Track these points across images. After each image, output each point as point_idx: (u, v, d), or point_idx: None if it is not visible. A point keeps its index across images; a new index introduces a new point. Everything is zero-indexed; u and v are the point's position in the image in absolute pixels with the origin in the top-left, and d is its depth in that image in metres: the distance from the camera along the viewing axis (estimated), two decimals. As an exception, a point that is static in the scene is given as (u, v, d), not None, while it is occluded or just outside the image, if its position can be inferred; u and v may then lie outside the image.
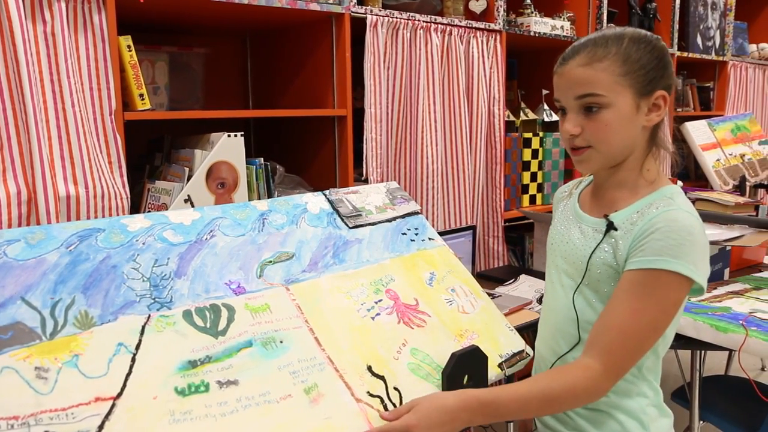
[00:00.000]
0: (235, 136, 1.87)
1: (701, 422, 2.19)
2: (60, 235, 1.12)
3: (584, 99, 1.10)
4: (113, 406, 0.96)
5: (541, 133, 2.81)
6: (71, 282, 1.07)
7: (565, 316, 1.20)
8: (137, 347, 1.04)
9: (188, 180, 1.83)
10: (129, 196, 1.78)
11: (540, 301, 2.28)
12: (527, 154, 2.80)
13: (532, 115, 2.82)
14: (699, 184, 3.47)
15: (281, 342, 1.16)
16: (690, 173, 3.68)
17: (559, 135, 2.86)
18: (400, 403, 1.17)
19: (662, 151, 1.19)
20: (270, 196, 1.93)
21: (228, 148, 1.85)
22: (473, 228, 2.53)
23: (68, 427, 0.90)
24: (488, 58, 2.58)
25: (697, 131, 3.40)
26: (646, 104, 1.11)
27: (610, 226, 1.13)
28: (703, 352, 2.23)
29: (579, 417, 1.18)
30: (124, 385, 0.99)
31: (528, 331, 1.51)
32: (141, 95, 1.83)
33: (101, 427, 0.92)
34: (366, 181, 2.18)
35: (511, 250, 2.99)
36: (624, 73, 1.09)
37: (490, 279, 2.53)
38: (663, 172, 1.21)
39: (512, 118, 2.76)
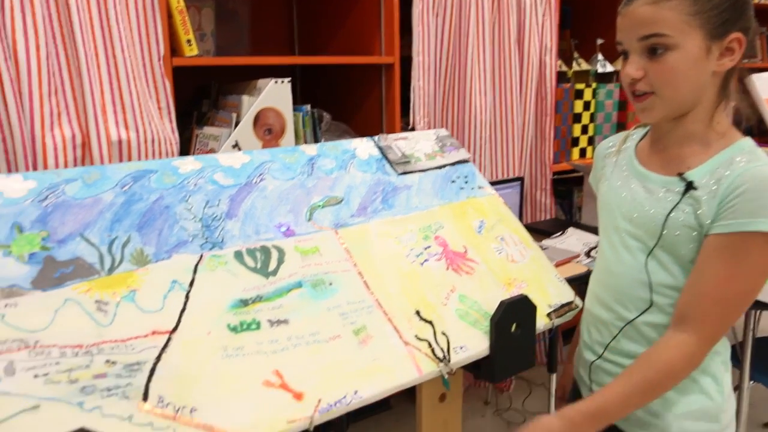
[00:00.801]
0: (282, 82, 1.86)
1: (751, 382, 2.15)
2: (114, 175, 1.14)
3: (648, 40, 1.02)
4: (169, 339, 0.98)
5: (593, 85, 2.73)
6: (126, 221, 1.09)
7: (634, 280, 1.13)
8: (191, 285, 1.06)
9: (236, 126, 1.84)
10: (178, 141, 1.80)
11: (588, 254, 2.25)
12: (578, 106, 2.73)
13: (585, 66, 2.73)
14: (762, 140, 3.33)
15: (330, 284, 1.17)
16: (752, 129, 3.53)
17: (612, 87, 2.78)
18: (448, 348, 1.17)
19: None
20: (316, 143, 1.93)
21: (275, 95, 1.85)
22: (521, 180, 2.49)
23: (128, 357, 0.93)
24: (541, 5, 2.50)
25: (765, 83, 3.23)
26: (717, 48, 1.02)
27: (690, 186, 1.05)
28: (758, 312, 2.18)
29: None
30: (179, 321, 1.01)
31: (575, 284, 1.48)
32: (188, 41, 1.83)
33: (158, 358, 0.95)
34: (413, 130, 2.15)
35: (558, 204, 2.95)
36: (694, 13, 1.00)
37: (536, 231, 2.50)
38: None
39: (564, 68, 2.69)
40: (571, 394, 1.38)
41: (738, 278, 1.01)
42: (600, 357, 1.21)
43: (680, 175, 1.07)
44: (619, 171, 1.20)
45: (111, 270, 1.02)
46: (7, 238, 0.97)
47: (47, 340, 0.90)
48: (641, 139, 1.21)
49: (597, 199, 1.27)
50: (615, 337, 1.17)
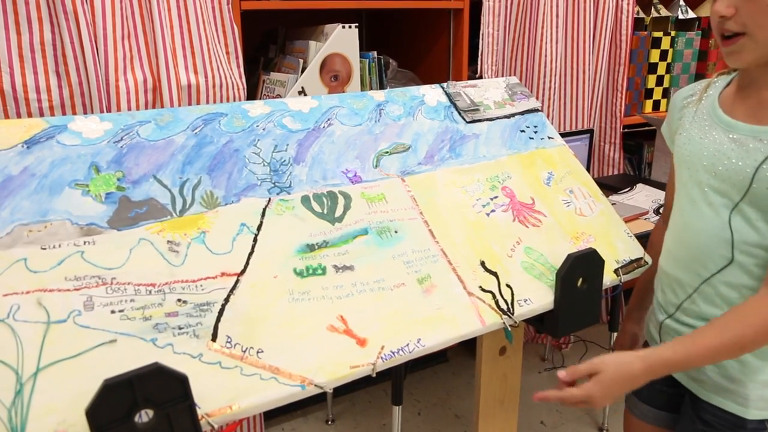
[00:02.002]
0: (350, 27, 1.84)
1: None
2: (186, 118, 1.15)
3: None
4: (237, 281, 1.00)
5: (672, 33, 2.59)
6: (197, 163, 1.10)
7: (715, 237, 1.07)
8: (258, 228, 1.07)
9: (302, 72, 1.83)
10: (245, 86, 1.80)
11: (657, 212, 2.17)
12: (655, 56, 2.60)
13: (664, 12, 2.59)
14: None
15: (396, 232, 1.16)
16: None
17: (693, 35, 2.63)
18: (512, 300, 1.16)
19: None
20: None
21: (342, 40, 1.82)
22: (590, 132, 2.41)
23: (198, 297, 0.96)
24: (620, -54, 2.37)
25: None
26: None
27: None
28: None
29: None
30: (247, 263, 1.03)
31: (643, 242, 1.43)
32: (257, -16, 1.81)
33: (227, 299, 0.97)
34: (481, 79, 2.10)
35: (627, 158, 2.85)
36: None
37: (604, 187, 2.42)
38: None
39: (642, 14, 2.55)
40: None
41: None
42: (670, 317, 1.17)
43: None
44: (699, 121, 1.12)
45: (182, 211, 1.04)
46: (85, 178, 1.00)
47: (123, 278, 0.94)
48: (725, 87, 1.12)
49: (673, 152, 1.20)
50: (689, 296, 1.12)
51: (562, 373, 1.03)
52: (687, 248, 1.13)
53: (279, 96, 1.87)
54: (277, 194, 1.13)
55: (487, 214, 1.26)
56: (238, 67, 1.79)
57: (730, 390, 1.09)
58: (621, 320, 2.25)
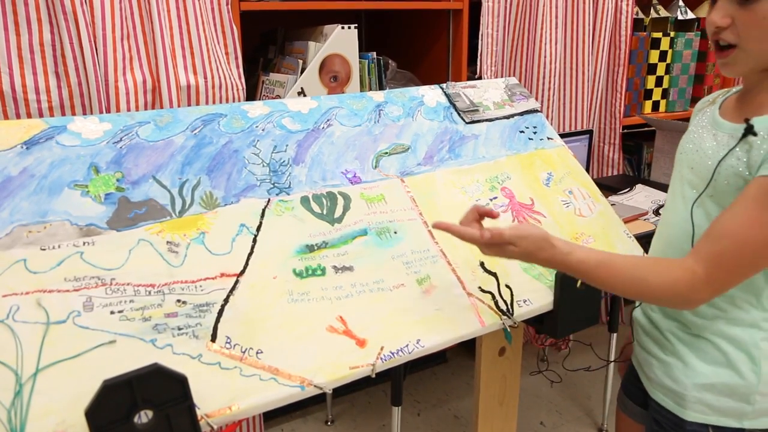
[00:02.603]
0: (349, 28, 1.84)
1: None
2: (185, 118, 1.15)
3: None
4: (237, 282, 1.00)
5: (672, 33, 2.59)
6: (197, 164, 1.10)
7: (680, 230, 1.08)
8: (258, 229, 1.07)
9: (302, 72, 1.83)
10: (245, 87, 1.80)
11: (657, 212, 2.17)
12: (654, 56, 2.60)
13: (664, 13, 2.59)
14: None
15: (395, 232, 1.16)
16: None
17: (692, 35, 2.63)
18: (512, 300, 1.16)
19: None
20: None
21: (341, 40, 1.82)
22: (589, 133, 2.41)
23: (197, 297, 0.96)
24: (619, -53, 2.37)
25: None
26: None
27: (749, 130, 0.98)
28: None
29: (678, 342, 1.09)
30: (247, 264, 1.03)
31: (642, 242, 1.43)
32: (257, -15, 1.81)
33: (226, 300, 0.97)
34: (480, 80, 2.10)
35: (626, 159, 2.85)
36: None
37: (603, 187, 2.42)
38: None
39: (641, 15, 2.55)
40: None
41: (766, 225, 0.92)
42: (638, 307, 1.18)
43: (746, 120, 0.99)
44: (701, 122, 1.13)
45: (182, 212, 1.04)
46: (85, 178, 1.00)
47: (122, 279, 0.94)
48: (737, 92, 1.12)
49: None
50: None
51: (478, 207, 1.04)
52: (660, 240, 1.15)
53: (278, 97, 1.87)
54: (277, 195, 1.13)
55: (487, 215, 1.27)
56: (238, 67, 1.79)
57: (671, 389, 1.08)
58: (621, 322, 2.25)
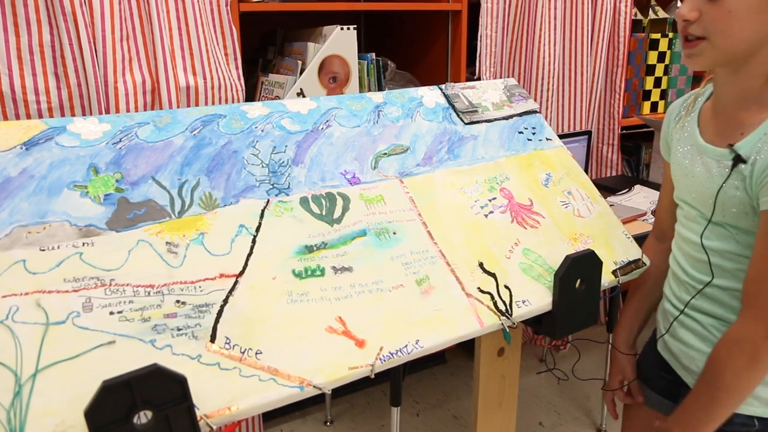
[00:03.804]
0: (348, 29, 1.84)
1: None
2: (185, 119, 1.15)
3: None
4: (236, 283, 1.00)
5: (670, 34, 2.60)
6: (196, 164, 1.10)
7: (695, 256, 1.12)
8: (257, 230, 1.07)
9: (301, 73, 1.83)
10: (244, 88, 1.81)
11: (654, 213, 2.18)
12: (653, 57, 2.60)
13: (662, 14, 2.60)
14: None
15: (394, 233, 1.16)
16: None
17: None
18: (511, 301, 1.16)
19: None
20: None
21: (340, 41, 1.83)
22: (588, 133, 2.42)
23: (197, 298, 0.96)
24: (618, -52, 2.37)
25: None
26: None
27: (738, 159, 0.99)
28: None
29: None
30: (246, 265, 1.03)
31: (641, 243, 1.44)
32: (256, -14, 1.81)
33: (226, 301, 0.97)
34: (479, 80, 2.10)
35: (625, 160, 2.85)
36: None
37: (602, 188, 2.43)
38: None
39: (639, 16, 2.56)
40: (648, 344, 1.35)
41: None
42: (682, 312, 1.19)
43: (730, 146, 1.01)
44: (684, 142, 1.14)
45: (181, 213, 1.04)
46: (84, 179, 1.01)
47: (121, 279, 0.94)
48: (706, 101, 1.13)
49: (670, 163, 1.22)
50: (693, 296, 1.14)
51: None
52: (683, 254, 1.17)
53: (277, 97, 1.88)
54: (276, 195, 1.13)
55: (486, 216, 1.27)
56: (237, 68, 1.79)
57: None
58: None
